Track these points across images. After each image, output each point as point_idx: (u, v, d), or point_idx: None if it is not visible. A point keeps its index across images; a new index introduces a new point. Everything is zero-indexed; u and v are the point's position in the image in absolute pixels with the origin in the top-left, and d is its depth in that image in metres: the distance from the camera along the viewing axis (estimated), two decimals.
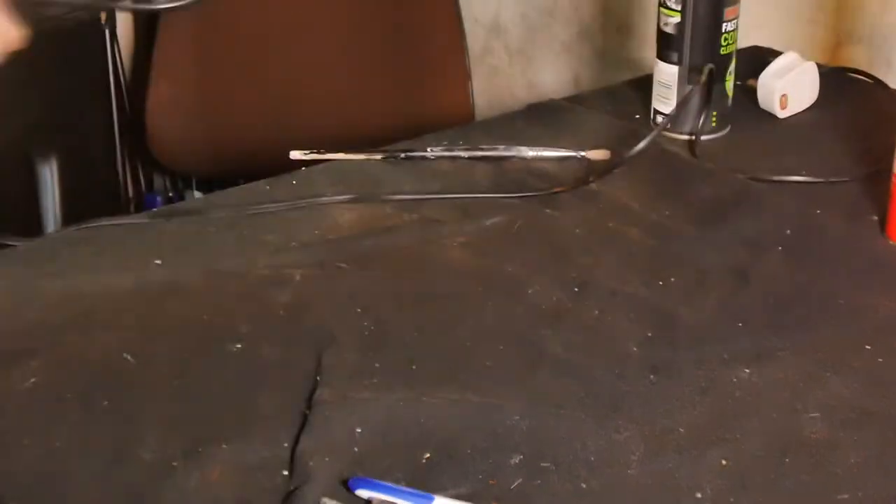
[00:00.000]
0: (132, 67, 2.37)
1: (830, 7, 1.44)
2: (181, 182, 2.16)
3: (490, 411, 0.83)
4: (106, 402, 0.83)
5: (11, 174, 1.98)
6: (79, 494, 0.75)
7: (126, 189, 2.36)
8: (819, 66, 1.38)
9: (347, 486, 0.75)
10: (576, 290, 0.97)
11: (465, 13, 2.08)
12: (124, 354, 0.89)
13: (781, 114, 1.30)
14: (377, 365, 0.87)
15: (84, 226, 1.06)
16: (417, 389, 0.85)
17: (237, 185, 1.17)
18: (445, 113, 1.33)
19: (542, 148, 1.19)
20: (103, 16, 2.02)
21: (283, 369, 0.87)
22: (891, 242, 1.05)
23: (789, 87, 1.30)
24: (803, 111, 1.32)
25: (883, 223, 1.06)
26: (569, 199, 1.11)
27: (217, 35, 2.14)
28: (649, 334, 0.92)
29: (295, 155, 1.21)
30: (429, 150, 1.19)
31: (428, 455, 0.79)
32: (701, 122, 1.24)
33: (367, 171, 1.17)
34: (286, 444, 0.79)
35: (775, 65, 1.30)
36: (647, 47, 1.29)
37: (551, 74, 1.98)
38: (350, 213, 1.09)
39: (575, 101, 1.33)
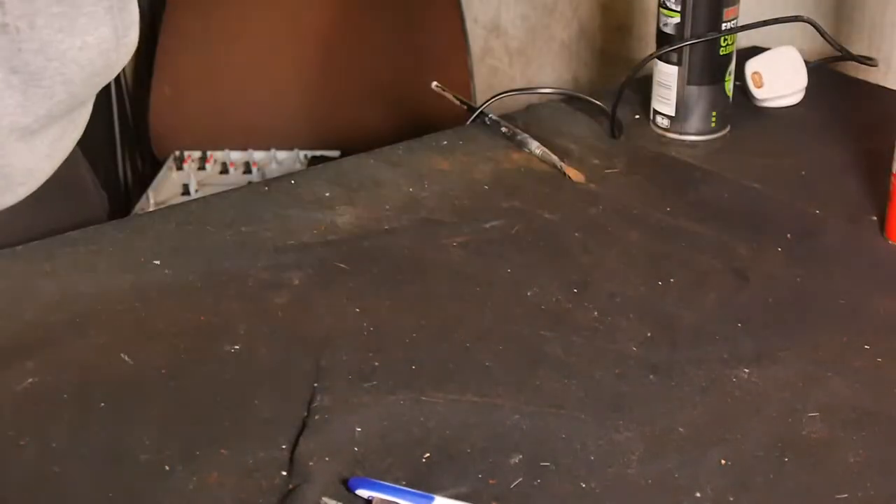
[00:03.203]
0: (133, 67, 2.37)
1: (830, 6, 1.44)
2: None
3: (490, 411, 0.83)
4: (103, 404, 0.83)
5: None
6: (76, 496, 0.75)
7: (126, 188, 2.36)
8: (817, 63, 1.39)
9: (347, 486, 0.75)
10: (575, 290, 0.97)
11: (465, 14, 2.08)
12: (122, 355, 0.89)
13: (759, 93, 1.31)
14: (377, 364, 0.87)
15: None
16: (417, 389, 0.85)
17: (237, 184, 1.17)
18: (446, 113, 1.33)
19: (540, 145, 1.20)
20: None
21: (282, 370, 0.87)
22: (890, 242, 1.05)
23: (762, 67, 1.31)
24: (796, 106, 1.32)
25: (883, 223, 1.06)
26: (568, 198, 1.11)
27: (220, 36, 2.14)
28: (649, 334, 0.92)
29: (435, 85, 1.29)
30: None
31: (428, 455, 0.79)
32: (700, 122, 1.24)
33: (365, 171, 1.17)
34: (284, 446, 0.79)
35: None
36: (647, 47, 1.29)
37: (551, 74, 1.98)
38: (349, 214, 1.09)
39: (574, 101, 1.33)
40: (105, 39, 0.97)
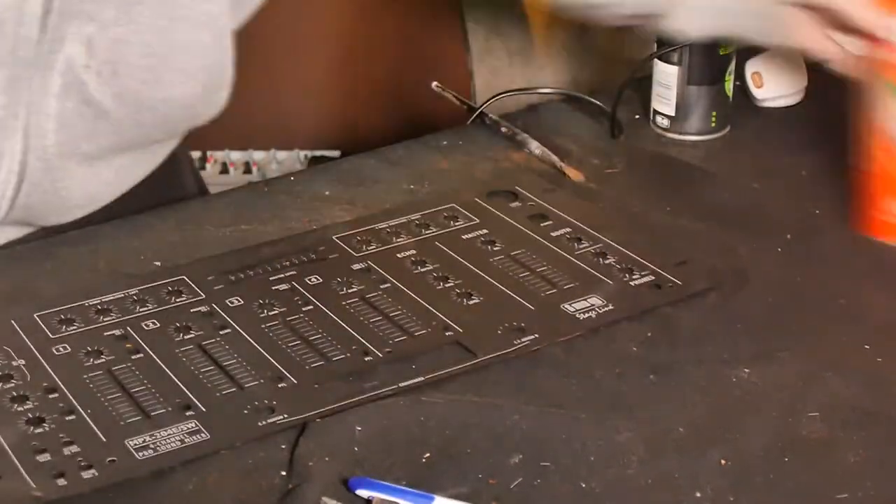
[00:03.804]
0: None
1: None
2: None
3: (490, 411, 0.83)
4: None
5: None
6: (75, 497, 0.75)
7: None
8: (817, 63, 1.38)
9: (347, 486, 0.75)
10: None
11: (465, 14, 2.08)
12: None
13: (759, 93, 1.31)
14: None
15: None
16: (417, 389, 0.85)
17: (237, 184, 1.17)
18: (446, 113, 1.33)
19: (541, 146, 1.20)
20: None
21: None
22: (890, 244, 1.05)
23: (762, 67, 1.31)
24: (796, 106, 1.32)
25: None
26: (568, 198, 1.11)
27: None
28: (649, 334, 0.92)
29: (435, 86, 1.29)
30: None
31: (428, 455, 0.79)
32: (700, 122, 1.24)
33: (365, 171, 1.17)
34: (284, 446, 0.79)
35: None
36: (647, 47, 1.29)
37: (551, 74, 1.97)
38: (348, 214, 1.09)
39: (574, 101, 1.33)
40: (192, 95, 0.97)
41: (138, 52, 0.94)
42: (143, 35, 0.94)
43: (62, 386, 0.84)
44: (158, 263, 1.00)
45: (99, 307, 0.93)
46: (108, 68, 0.93)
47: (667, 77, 1.24)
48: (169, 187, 1.14)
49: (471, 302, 0.95)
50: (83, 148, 0.99)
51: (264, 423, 0.81)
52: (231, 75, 1.01)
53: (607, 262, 1.00)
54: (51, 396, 0.83)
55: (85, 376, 0.85)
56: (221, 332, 0.90)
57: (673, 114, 1.25)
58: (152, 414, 0.81)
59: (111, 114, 0.96)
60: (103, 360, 0.87)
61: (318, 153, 2.06)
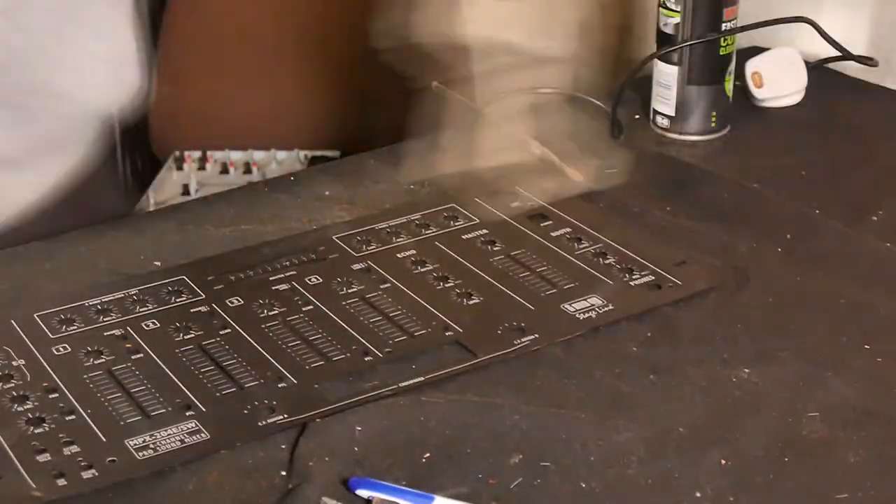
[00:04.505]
0: None
1: (830, 6, 1.44)
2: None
3: (490, 411, 0.83)
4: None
5: None
6: (75, 497, 0.75)
7: (126, 188, 2.36)
8: (817, 63, 1.38)
9: (347, 486, 0.75)
10: None
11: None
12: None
13: (759, 93, 1.31)
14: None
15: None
16: (417, 389, 0.85)
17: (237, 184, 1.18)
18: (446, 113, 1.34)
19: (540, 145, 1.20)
20: None
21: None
22: (888, 245, 1.05)
23: (762, 67, 1.31)
24: (796, 106, 1.32)
25: (885, 224, 1.06)
26: (568, 198, 1.11)
27: (220, 36, 2.14)
28: (649, 334, 0.92)
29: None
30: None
31: (428, 455, 0.79)
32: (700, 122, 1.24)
33: (365, 170, 1.17)
34: (284, 446, 0.79)
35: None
36: (647, 47, 1.29)
37: (551, 74, 1.97)
38: (348, 213, 1.09)
39: (574, 102, 1.33)
40: (104, 82, 0.97)
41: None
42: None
43: (62, 386, 0.84)
44: (158, 263, 1.00)
45: (99, 307, 0.93)
46: (20, 60, 0.92)
47: (667, 77, 1.24)
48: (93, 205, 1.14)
49: (471, 302, 0.95)
50: (7, 154, 0.98)
51: (264, 423, 0.81)
52: (137, 52, 1.00)
53: (607, 262, 1.00)
54: (51, 396, 0.83)
55: (85, 376, 0.85)
56: (221, 332, 0.90)
57: (673, 114, 1.25)
58: (152, 414, 0.81)
59: (30, 111, 0.95)
60: (103, 360, 0.87)
61: (318, 153, 2.06)
